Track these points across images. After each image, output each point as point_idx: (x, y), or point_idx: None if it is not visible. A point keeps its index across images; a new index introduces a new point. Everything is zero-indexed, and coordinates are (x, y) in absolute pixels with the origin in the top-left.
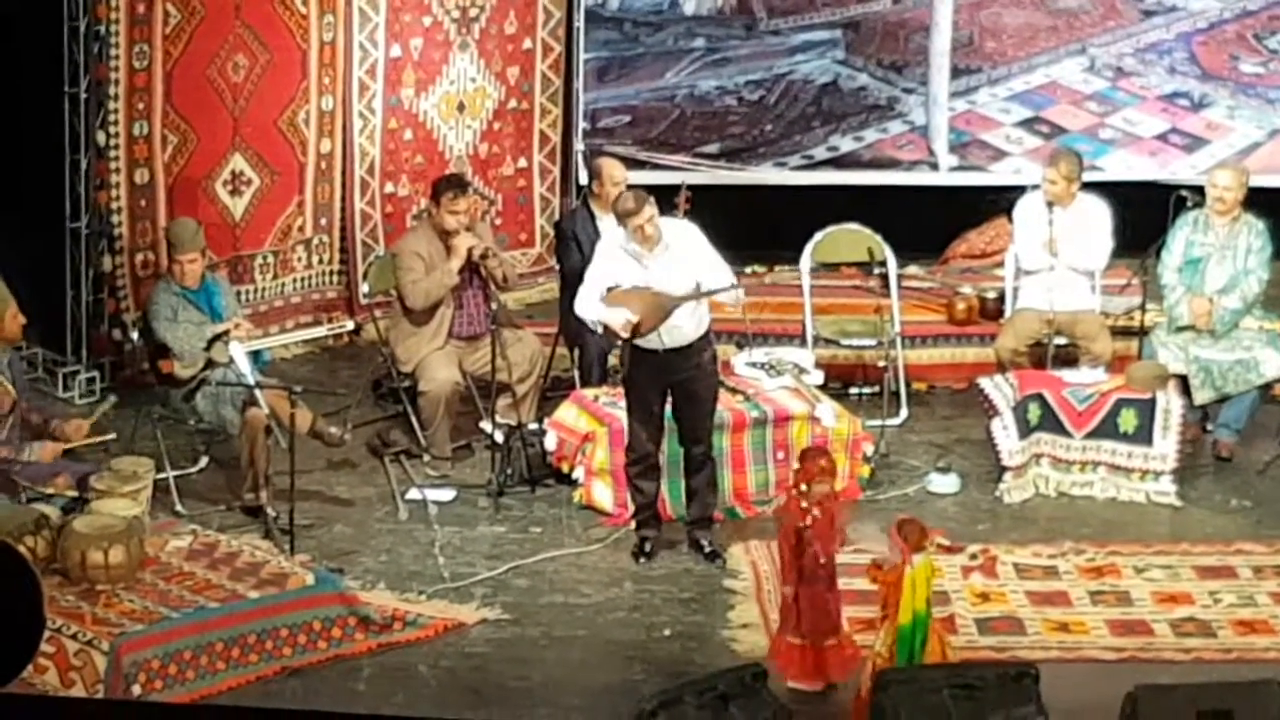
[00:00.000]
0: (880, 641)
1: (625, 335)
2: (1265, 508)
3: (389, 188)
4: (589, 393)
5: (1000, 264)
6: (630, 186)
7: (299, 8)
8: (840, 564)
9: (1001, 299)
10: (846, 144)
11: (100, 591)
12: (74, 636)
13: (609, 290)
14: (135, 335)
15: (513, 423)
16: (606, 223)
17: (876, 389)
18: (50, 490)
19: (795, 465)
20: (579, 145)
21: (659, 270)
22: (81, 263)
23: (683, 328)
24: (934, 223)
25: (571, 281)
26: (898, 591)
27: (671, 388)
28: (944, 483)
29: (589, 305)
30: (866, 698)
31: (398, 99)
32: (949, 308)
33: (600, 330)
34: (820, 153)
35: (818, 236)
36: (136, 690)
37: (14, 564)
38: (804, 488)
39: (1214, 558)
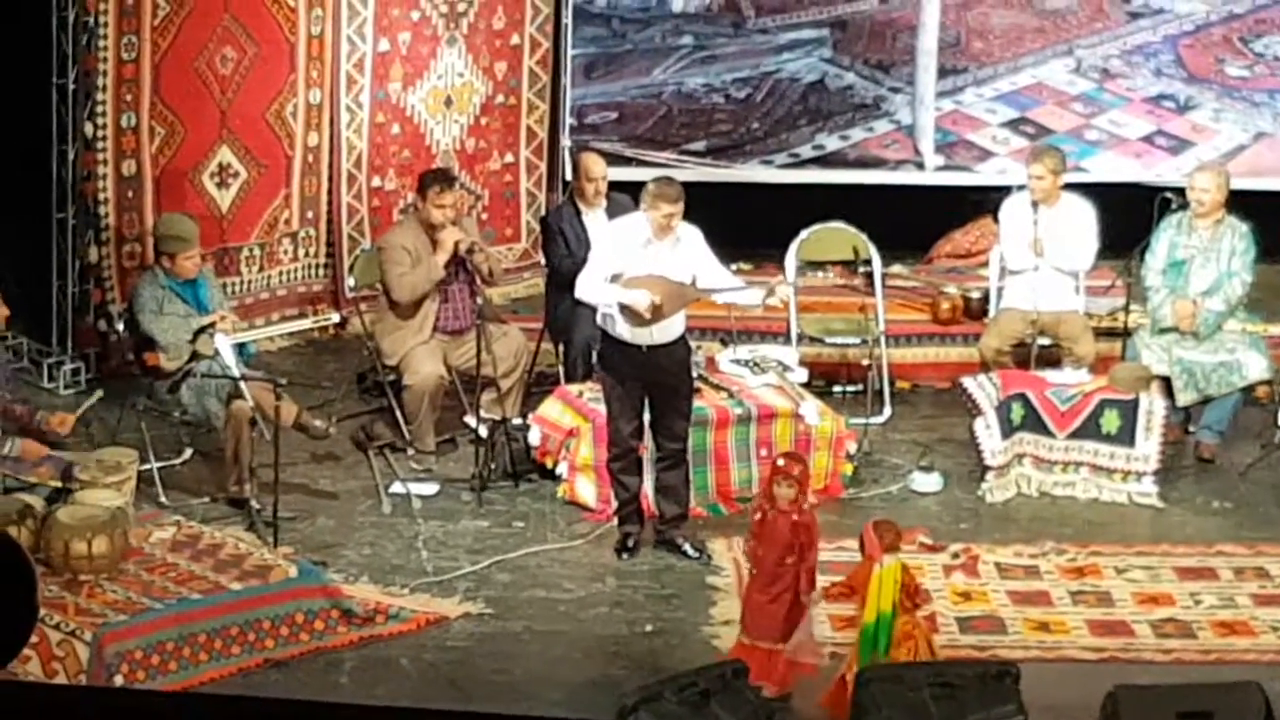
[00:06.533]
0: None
1: (648, 316)
2: (1246, 510)
3: (376, 181)
4: (573, 388)
5: (985, 264)
6: (613, 185)
7: (288, 1)
8: (821, 561)
9: (986, 299)
10: (832, 143)
11: (83, 582)
12: (57, 626)
13: (616, 276)
14: (120, 326)
15: (497, 417)
16: (592, 218)
17: (860, 387)
18: (34, 480)
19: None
20: (566, 141)
21: (663, 261)
22: (68, 253)
23: (672, 324)
24: (919, 222)
25: (557, 277)
26: (865, 591)
27: (652, 384)
28: (926, 481)
29: (599, 289)
30: (842, 695)
31: (385, 93)
32: (933, 307)
33: (612, 312)
34: (806, 151)
35: (803, 235)
36: (119, 680)
37: (9, 552)
38: (769, 490)
39: (1195, 559)
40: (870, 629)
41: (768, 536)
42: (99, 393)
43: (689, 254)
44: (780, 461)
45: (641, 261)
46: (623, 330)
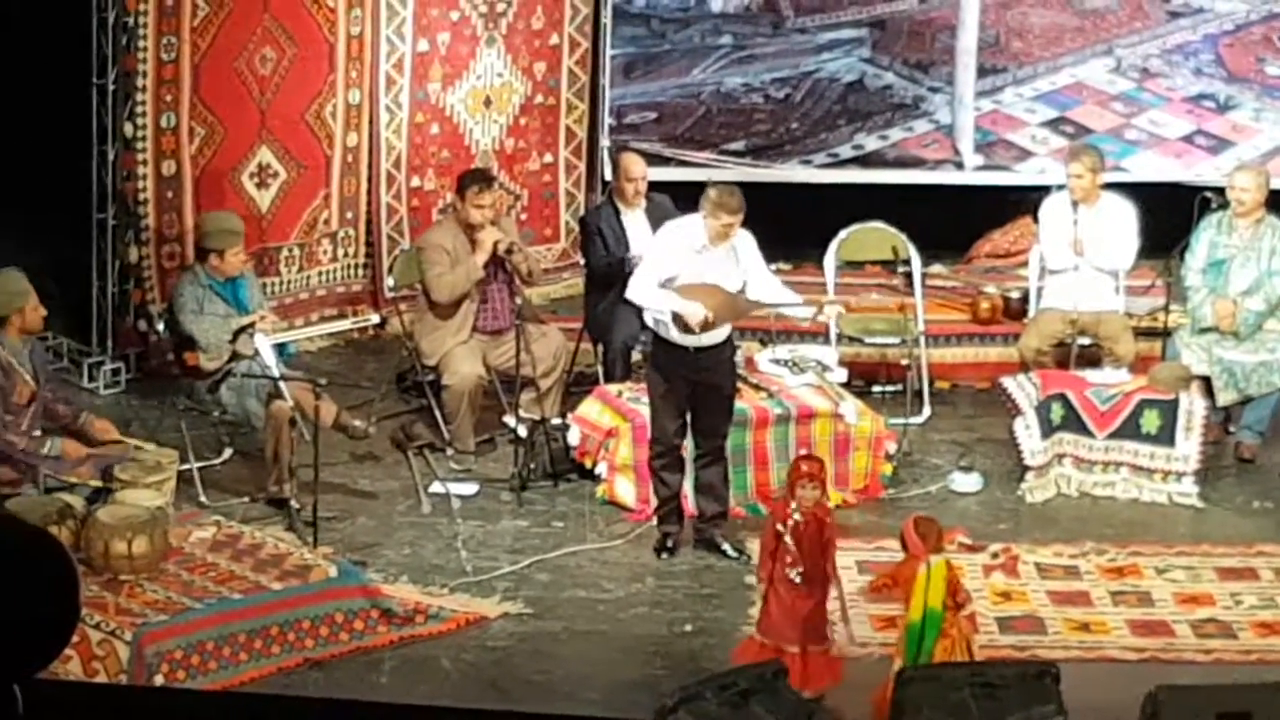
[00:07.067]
0: (897, 638)
1: (699, 330)
2: None
3: (415, 182)
4: (612, 388)
5: (1024, 264)
6: (653, 185)
7: (327, 1)
8: (861, 560)
9: (1025, 299)
10: (872, 142)
11: (123, 582)
12: (97, 626)
13: (670, 280)
14: (160, 327)
15: (536, 417)
16: (631, 218)
17: (900, 387)
18: (74, 480)
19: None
20: (605, 141)
21: (717, 267)
22: (108, 254)
23: (721, 328)
24: (958, 222)
25: (596, 277)
26: (910, 588)
27: (697, 384)
28: (966, 481)
29: (653, 294)
30: (887, 694)
31: (424, 93)
32: (973, 307)
33: (664, 318)
34: (845, 151)
35: (842, 235)
36: (159, 680)
37: (52, 551)
38: (792, 492)
39: (1235, 559)
40: (916, 627)
41: (808, 542)
42: (150, 446)
43: (742, 261)
44: (804, 466)
45: (695, 267)
46: (673, 332)
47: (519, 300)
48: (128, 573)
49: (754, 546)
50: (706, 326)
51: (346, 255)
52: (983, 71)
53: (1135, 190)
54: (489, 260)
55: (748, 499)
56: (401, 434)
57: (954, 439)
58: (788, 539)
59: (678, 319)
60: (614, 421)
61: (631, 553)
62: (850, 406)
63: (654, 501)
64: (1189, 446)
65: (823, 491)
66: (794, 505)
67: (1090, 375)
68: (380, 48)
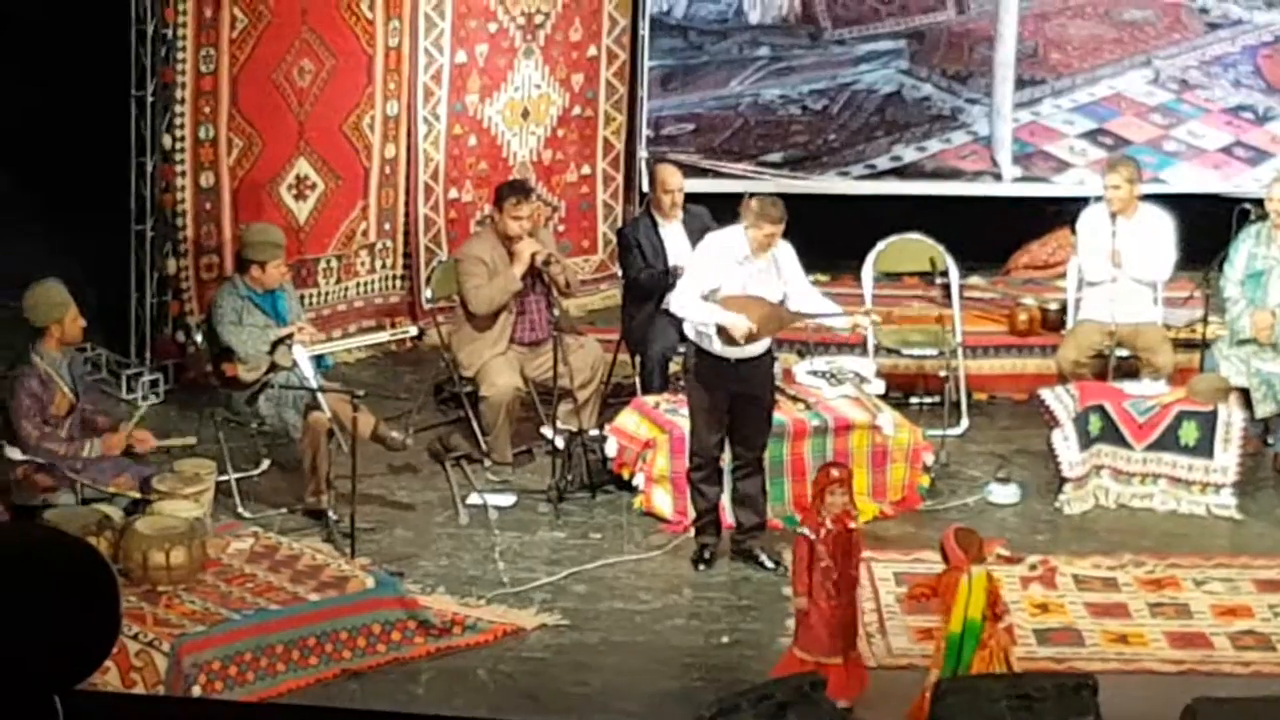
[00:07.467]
0: (935, 649)
1: (743, 342)
2: None
3: (453, 193)
4: (650, 400)
5: (1062, 275)
6: (690, 196)
7: (365, 13)
8: (898, 572)
9: (1063, 310)
10: (910, 154)
11: (161, 592)
12: (135, 637)
13: (712, 291)
14: (198, 338)
15: (574, 429)
16: (668, 230)
17: (937, 399)
18: (113, 490)
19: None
20: (642, 153)
21: (758, 278)
22: (146, 265)
23: (762, 340)
24: (996, 233)
25: (634, 288)
26: (951, 599)
27: (738, 395)
28: (1004, 493)
29: (697, 307)
30: (925, 706)
31: (462, 105)
32: (1011, 318)
33: (708, 330)
34: (883, 162)
35: (880, 246)
36: (196, 691)
37: (93, 562)
38: (821, 499)
39: (1274, 571)
40: (956, 638)
41: (842, 548)
42: (191, 439)
43: (783, 272)
44: (832, 472)
45: (737, 278)
46: (715, 344)
47: (557, 312)
48: (166, 584)
49: (791, 558)
50: (750, 339)
51: (384, 267)
52: (1021, 83)
53: (1174, 202)
54: (527, 272)
55: (785, 510)
56: (439, 445)
57: (992, 450)
58: (820, 547)
59: (721, 331)
60: (652, 433)
61: (669, 564)
62: (888, 418)
63: (692, 513)
64: (1227, 458)
65: (850, 498)
66: (824, 513)
67: (1128, 387)
68: (418, 59)
